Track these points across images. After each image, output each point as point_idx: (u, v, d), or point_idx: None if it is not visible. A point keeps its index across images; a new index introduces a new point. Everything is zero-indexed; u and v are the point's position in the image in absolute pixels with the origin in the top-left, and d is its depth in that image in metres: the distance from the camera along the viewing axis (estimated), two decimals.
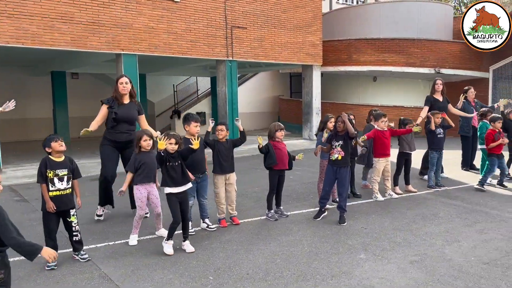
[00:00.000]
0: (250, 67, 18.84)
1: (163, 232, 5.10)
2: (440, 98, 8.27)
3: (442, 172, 8.51)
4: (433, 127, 7.45)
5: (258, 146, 5.61)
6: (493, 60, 18.09)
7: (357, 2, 29.34)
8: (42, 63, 16.07)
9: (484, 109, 8.35)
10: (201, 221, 5.48)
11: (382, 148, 6.81)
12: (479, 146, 8.01)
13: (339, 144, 5.73)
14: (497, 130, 7.31)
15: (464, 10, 30.59)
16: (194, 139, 4.72)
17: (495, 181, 7.71)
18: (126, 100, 5.96)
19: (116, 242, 4.98)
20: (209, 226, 5.41)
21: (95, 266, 4.29)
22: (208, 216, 5.49)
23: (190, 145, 4.66)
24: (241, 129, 5.68)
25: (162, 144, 4.44)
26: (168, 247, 4.60)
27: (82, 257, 4.47)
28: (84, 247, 4.58)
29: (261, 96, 23.72)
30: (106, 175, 5.82)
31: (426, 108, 8.27)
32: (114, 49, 11.41)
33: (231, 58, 13.80)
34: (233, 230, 5.37)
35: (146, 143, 5.01)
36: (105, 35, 11.17)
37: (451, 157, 10.00)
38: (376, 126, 6.91)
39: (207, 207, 5.47)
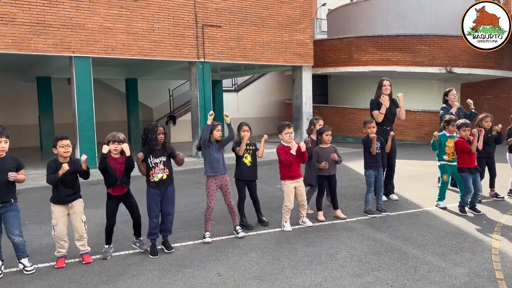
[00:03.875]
0: (245, 69, 17.68)
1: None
2: (387, 103, 6.75)
3: (392, 193, 6.99)
4: (374, 145, 5.98)
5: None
6: None
7: None
8: (28, 68, 15.75)
9: (450, 116, 6.72)
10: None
11: (288, 169, 5.45)
12: (437, 163, 6.41)
13: (160, 161, 4.68)
14: (465, 139, 5.75)
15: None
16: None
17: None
18: None
19: None
20: (25, 268, 4.29)
21: None
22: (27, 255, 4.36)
23: None
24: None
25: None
26: None
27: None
28: None
29: (266, 100, 22.54)
30: None
31: (376, 114, 6.80)
32: (64, 52, 10.70)
33: (202, 60, 12.74)
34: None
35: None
36: (52, 37, 10.47)
37: (423, 170, 8.37)
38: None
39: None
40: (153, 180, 4.68)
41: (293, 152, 5.34)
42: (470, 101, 7.63)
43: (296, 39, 14.55)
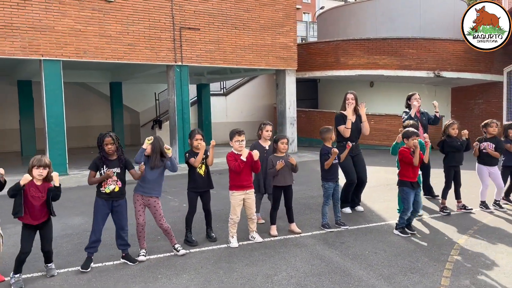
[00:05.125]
0: (231, 73, 17.33)
1: None
2: (352, 117, 6.35)
3: (357, 205, 6.61)
4: (329, 163, 5.59)
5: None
6: (507, 61, 15.42)
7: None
8: (10, 72, 15.43)
9: (409, 121, 6.34)
10: None
11: (237, 178, 5.09)
12: (397, 171, 6.03)
13: (114, 173, 4.42)
14: (411, 149, 5.34)
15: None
16: None
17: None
18: None
19: None
20: None
21: None
22: None
23: None
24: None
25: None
26: None
27: None
28: None
29: (255, 104, 22.14)
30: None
31: (342, 129, 6.39)
32: (32, 55, 10.37)
33: (180, 63, 12.40)
34: None
35: None
36: (20, 39, 10.15)
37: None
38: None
39: None
40: (104, 191, 4.41)
41: (243, 158, 4.98)
42: (435, 103, 7.27)
43: (279, 42, 14.20)
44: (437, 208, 6.54)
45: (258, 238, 5.21)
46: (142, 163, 4.59)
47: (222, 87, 21.78)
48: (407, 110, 7.28)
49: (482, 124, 6.68)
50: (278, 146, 5.46)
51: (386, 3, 17.25)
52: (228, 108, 21.37)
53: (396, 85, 17.16)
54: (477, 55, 15.46)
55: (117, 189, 4.46)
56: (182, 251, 4.80)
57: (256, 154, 5.04)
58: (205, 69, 16.88)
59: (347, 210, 6.46)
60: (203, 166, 5.17)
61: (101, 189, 4.45)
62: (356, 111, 6.44)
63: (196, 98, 20.29)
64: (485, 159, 6.44)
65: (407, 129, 5.54)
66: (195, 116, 20.20)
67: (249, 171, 5.18)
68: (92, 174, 4.45)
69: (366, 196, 7.53)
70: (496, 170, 6.52)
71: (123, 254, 4.62)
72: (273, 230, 5.46)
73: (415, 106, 7.05)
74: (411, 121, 6.22)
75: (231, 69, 16.19)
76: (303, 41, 31.30)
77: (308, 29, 31.98)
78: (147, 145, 4.59)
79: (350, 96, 6.42)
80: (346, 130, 6.30)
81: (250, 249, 4.93)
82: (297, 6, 50.13)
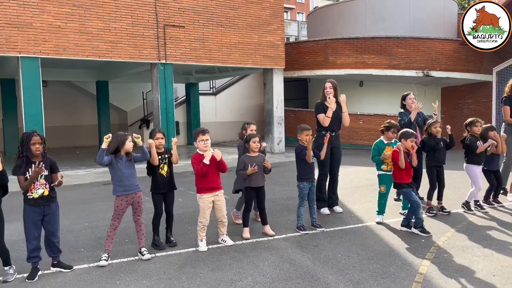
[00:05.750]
0: (220, 72, 17.11)
1: None
2: (333, 106, 6.18)
3: (336, 204, 6.42)
4: (309, 155, 5.40)
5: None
6: (496, 61, 15.31)
7: None
8: None
9: (390, 122, 6.13)
10: None
11: (204, 180, 4.87)
12: (377, 172, 5.85)
13: (41, 176, 4.12)
14: (405, 150, 5.17)
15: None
16: None
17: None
18: None
19: None
20: None
21: None
22: None
23: None
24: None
25: None
26: None
27: None
28: None
29: (245, 104, 21.92)
30: None
31: (321, 118, 6.23)
32: (9, 52, 10.12)
33: (164, 61, 12.17)
34: None
35: None
36: None
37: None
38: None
39: None
40: (31, 196, 4.08)
41: (206, 161, 4.75)
42: (435, 104, 7.05)
43: (266, 40, 14.00)
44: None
45: (229, 241, 5.00)
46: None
47: (211, 87, 21.55)
48: (403, 111, 7.03)
49: (466, 122, 6.50)
50: (250, 145, 5.24)
51: (376, 2, 17.09)
52: (218, 108, 21.15)
53: (385, 84, 17.02)
54: (466, 54, 15.36)
55: (46, 192, 4.12)
56: (147, 256, 4.57)
57: (218, 154, 4.81)
58: (192, 68, 16.68)
59: (325, 211, 6.27)
60: (165, 167, 4.95)
61: (28, 194, 4.07)
62: (336, 99, 6.26)
63: (185, 97, 20.07)
64: (476, 158, 6.22)
65: (405, 129, 5.39)
66: (184, 115, 19.97)
67: (217, 172, 4.96)
68: (21, 179, 4.04)
69: (347, 196, 7.37)
70: (480, 170, 6.34)
71: (55, 262, 4.29)
72: (246, 232, 5.25)
73: (416, 109, 6.57)
74: (392, 122, 5.99)
75: (219, 68, 15.99)
76: (296, 40, 31.12)
77: (300, 28, 31.83)
78: (106, 144, 4.36)
79: (328, 84, 6.26)
80: (326, 118, 6.14)
81: (219, 253, 4.71)
82: (291, 6, 50.11)
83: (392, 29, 16.32)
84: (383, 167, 5.66)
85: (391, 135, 5.67)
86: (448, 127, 6.15)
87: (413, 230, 5.20)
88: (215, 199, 4.94)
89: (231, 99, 21.51)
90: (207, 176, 4.85)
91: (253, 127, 5.76)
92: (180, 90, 20.97)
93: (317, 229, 5.47)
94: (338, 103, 6.35)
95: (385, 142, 5.76)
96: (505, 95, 7.38)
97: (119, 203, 4.51)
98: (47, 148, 4.31)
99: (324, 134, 6.01)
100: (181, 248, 4.89)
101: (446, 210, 6.14)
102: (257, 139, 5.28)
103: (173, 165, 5.08)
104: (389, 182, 5.60)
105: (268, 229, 5.36)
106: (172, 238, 5.05)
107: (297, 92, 20.53)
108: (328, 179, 6.37)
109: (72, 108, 19.79)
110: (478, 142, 6.16)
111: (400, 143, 5.24)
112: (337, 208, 6.38)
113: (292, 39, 32.53)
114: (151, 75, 12.52)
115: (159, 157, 4.93)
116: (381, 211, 5.72)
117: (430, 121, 6.20)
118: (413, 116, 6.68)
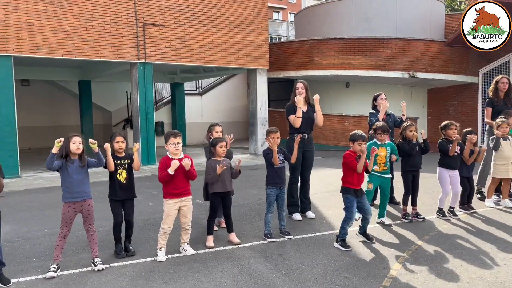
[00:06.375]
0: (205, 72, 16.84)
1: None
2: (301, 105, 5.98)
3: (308, 209, 6.20)
4: (275, 158, 5.19)
5: None
6: (482, 63, 15.22)
7: None
8: None
9: (377, 123, 5.95)
10: None
11: (171, 185, 4.63)
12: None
13: None
14: (358, 154, 4.93)
15: (463, 7, 27.81)
16: None
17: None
18: None
19: None
20: None
21: None
22: None
23: None
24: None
25: None
26: None
27: None
28: None
29: (232, 104, 21.71)
30: None
31: (292, 119, 6.03)
32: None
33: (143, 61, 11.89)
34: None
35: None
36: None
37: None
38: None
39: None
40: None
41: (170, 171, 4.50)
42: (403, 104, 6.89)
43: (249, 40, 13.77)
44: (399, 215, 6.14)
45: (190, 251, 4.75)
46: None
47: (197, 87, 21.29)
48: (373, 111, 6.88)
49: (441, 125, 6.32)
50: (216, 150, 5.01)
51: (362, 3, 16.93)
52: (204, 108, 20.89)
53: (372, 86, 16.82)
54: (452, 56, 15.26)
55: None
56: (100, 266, 4.32)
57: (187, 164, 4.57)
58: (177, 68, 16.41)
59: (297, 216, 6.05)
60: (124, 173, 4.69)
61: None
62: (308, 100, 6.06)
63: (170, 97, 19.79)
64: (449, 162, 6.04)
65: (354, 131, 5.12)
66: (169, 116, 19.69)
67: (185, 178, 4.72)
68: None
69: (322, 201, 7.16)
70: (457, 174, 6.15)
71: None
72: (209, 241, 5.01)
73: (384, 108, 6.55)
74: (381, 123, 5.82)
75: (204, 67, 15.74)
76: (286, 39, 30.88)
77: (289, 28, 31.63)
78: (56, 149, 4.11)
79: (299, 85, 6.07)
80: (296, 119, 5.95)
81: (177, 263, 4.47)
82: (283, 6, 49.87)
83: (378, 30, 16.17)
84: (375, 167, 5.46)
85: (382, 137, 5.56)
86: (422, 131, 5.98)
87: (334, 244, 4.92)
88: (182, 205, 4.70)
89: (218, 100, 21.28)
90: (175, 181, 4.61)
91: (218, 128, 5.53)
92: (165, 90, 20.70)
93: (285, 236, 5.24)
94: (311, 105, 6.15)
95: (379, 143, 5.58)
96: (489, 97, 7.43)
97: (66, 210, 4.26)
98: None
99: (296, 136, 5.80)
100: (139, 258, 4.64)
101: (421, 216, 5.94)
102: (223, 143, 5.05)
103: (135, 171, 4.84)
104: (378, 182, 5.54)
105: (233, 237, 5.12)
106: (131, 247, 4.79)
107: (284, 93, 20.29)
108: (299, 183, 6.16)
109: (55, 108, 19.41)
110: (450, 145, 5.99)
111: (362, 145, 4.95)
112: (310, 214, 6.16)
113: (284, 39, 32.33)
114: (130, 75, 12.23)
115: (118, 162, 4.69)
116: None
117: (404, 124, 6.00)
118: (381, 116, 6.53)
